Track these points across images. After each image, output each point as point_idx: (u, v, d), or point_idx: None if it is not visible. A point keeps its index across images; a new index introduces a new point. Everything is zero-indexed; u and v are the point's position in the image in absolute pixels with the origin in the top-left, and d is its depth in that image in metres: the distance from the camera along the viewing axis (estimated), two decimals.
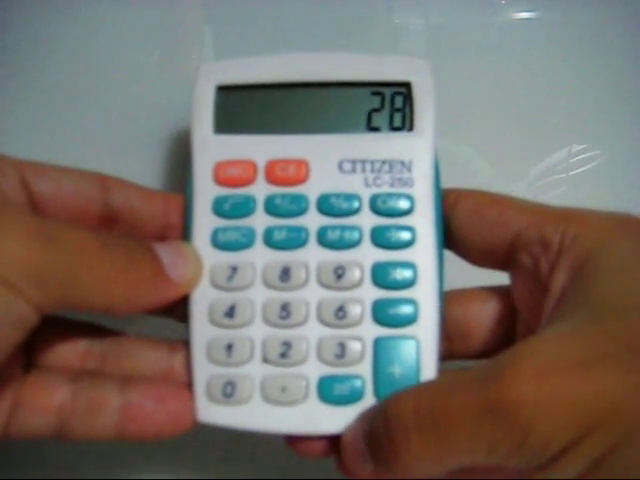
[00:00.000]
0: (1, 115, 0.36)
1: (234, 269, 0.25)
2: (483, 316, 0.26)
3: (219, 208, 0.25)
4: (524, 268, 0.23)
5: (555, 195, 0.35)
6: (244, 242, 0.25)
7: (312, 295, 0.24)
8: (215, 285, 0.25)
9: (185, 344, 0.25)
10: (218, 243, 0.25)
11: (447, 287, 0.25)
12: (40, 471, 0.33)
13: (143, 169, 0.34)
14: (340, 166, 0.25)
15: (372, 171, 0.25)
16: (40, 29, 0.37)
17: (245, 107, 0.26)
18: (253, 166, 0.25)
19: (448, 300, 0.25)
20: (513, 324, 0.25)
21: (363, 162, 0.25)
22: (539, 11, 0.37)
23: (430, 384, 0.22)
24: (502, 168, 0.35)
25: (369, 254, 0.24)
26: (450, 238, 0.25)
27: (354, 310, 0.24)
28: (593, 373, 0.18)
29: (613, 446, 0.18)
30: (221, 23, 0.37)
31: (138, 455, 0.33)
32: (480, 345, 0.26)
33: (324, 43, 0.36)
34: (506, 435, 0.18)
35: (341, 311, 0.24)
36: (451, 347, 0.26)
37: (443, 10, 0.37)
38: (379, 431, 0.21)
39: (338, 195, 0.25)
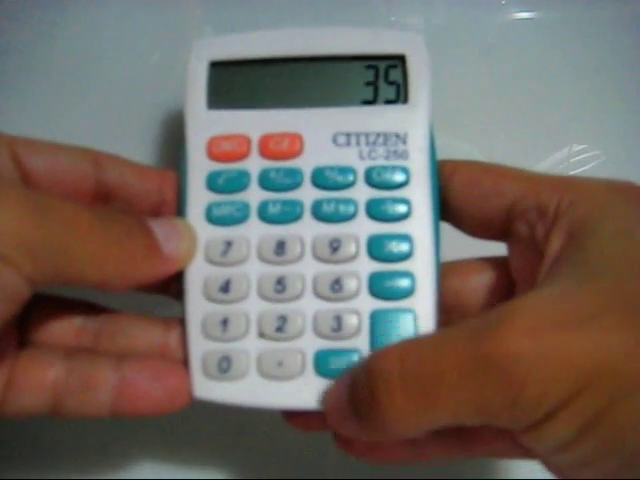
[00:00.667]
0: (5, 116, 0.36)
1: (229, 244, 0.24)
2: (480, 288, 0.25)
3: (213, 183, 0.25)
4: (521, 237, 0.23)
5: None
6: (238, 217, 0.25)
7: (308, 269, 0.24)
8: (210, 260, 0.24)
9: (180, 321, 0.25)
10: (212, 218, 0.25)
11: (444, 259, 0.25)
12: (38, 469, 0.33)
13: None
14: (334, 139, 0.25)
15: (367, 144, 0.25)
16: (41, 29, 0.37)
17: (238, 82, 0.26)
18: (247, 141, 0.25)
19: (445, 272, 0.25)
20: (511, 295, 0.25)
21: (357, 135, 0.25)
22: (539, 11, 0.37)
23: (417, 338, 0.21)
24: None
25: (364, 227, 0.24)
26: (446, 209, 0.25)
27: (350, 283, 0.24)
28: (589, 329, 0.18)
29: (609, 404, 0.17)
30: (221, 23, 0.37)
31: (139, 455, 0.33)
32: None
33: None
34: (498, 391, 0.18)
35: (337, 284, 0.24)
36: (448, 319, 0.25)
37: (443, 10, 0.37)
38: (361, 385, 0.20)
39: (332, 168, 0.25)
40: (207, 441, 0.32)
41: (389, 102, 0.26)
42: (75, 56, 0.37)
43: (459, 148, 0.35)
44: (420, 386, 0.19)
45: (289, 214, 0.24)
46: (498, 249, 0.25)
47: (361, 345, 0.23)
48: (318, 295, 0.24)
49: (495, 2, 0.37)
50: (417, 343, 0.20)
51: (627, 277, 0.19)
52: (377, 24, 0.37)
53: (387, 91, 0.26)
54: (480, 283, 0.25)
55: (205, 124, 0.26)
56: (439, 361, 0.19)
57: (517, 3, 0.37)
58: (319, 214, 0.24)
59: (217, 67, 0.26)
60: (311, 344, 0.24)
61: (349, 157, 0.25)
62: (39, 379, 0.22)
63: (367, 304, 0.24)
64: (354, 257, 0.24)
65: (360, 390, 0.20)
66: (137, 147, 0.35)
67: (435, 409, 0.19)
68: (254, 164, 0.25)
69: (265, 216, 0.25)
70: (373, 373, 0.20)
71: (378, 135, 0.25)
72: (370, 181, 0.25)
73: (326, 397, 0.22)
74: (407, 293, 0.24)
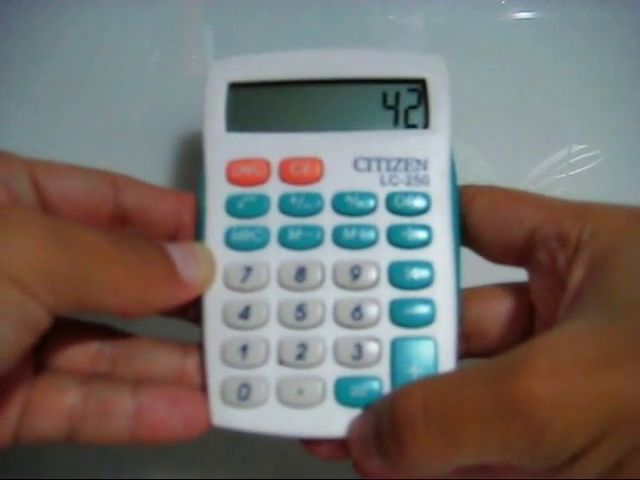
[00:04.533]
0: (6, 116, 0.36)
1: (248, 269, 0.24)
2: (501, 314, 0.25)
3: (232, 207, 0.25)
4: (542, 264, 0.23)
5: (555, 195, 0.35)
6: (258, 242, 0.24)
7: (328, 295, 0.24)
8: (229, 286, 0.24)
9: (198, 347, 0.24)
10: (232, 243, 0.24)
11: (465, 284, 0.25)
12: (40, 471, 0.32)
13: (149, 167, 0.34)
14: (355, 164, 0.25)
15: (388, 169, 0.25)
16: (42, 30, 0.37)
17: (257, 105, 0.26)
18: (267, 165, 0.25)
19: (465, 298, 0.25)
20: (531, 322, 0.25)
21: (378, 160, 0.25)
22: (539, 11, 0.37)
23: (439, 378, 0.21)
24: (502, 168, 0.35)
25: (385, 254, 0.24)
26: (467, 235, 0.25)
27: (371, 310, 0.24)
28: (611, 372, 0.18)
29: (633, 448, 0.17)
30: (221, 23, 0.37)
31: (139, 455, 0.33)
32: (498, 343, 0.25)
33: (324, 43, 0.35)
34: (520, 434, 0.18)
35: (358, 312, 0.24)
36: (469, 346, 0.25)
37: (443, 10, 0.37)
38: (385, 423, 0.20)
39: (353, 194, 0.25)
40: (207, 441, 0.32)
41: (410, 127, 0.26)
42: (74, 57, 0.37)
43: (460, 149, 0.35)
44: (443, 428, 0.19)
45: (310, 240, 0.24)
46: (519, 275, 0.25)
47: (382, 373, 0.23)
48: (338, 322, 0.24)
49: (495, 2, 0.37)
50: (439, 383, 0.20)
51: None
52: (376, 24, 0.37)
53: (408, 115, 0.26)
54: (500, 310, 0.25)
55: (224, 147, 0.25)
56: (461, 403, 0.18)
57: (517, 3, 0.37)
58: (340, 240, 0.24)
59: (236, 89, 0.26)
60: (331, 372, 0.23)
61: (370, 182, 0.25)
62: (56, 405, 0.22)
63: (388, 332, 0.24)
64: (375, 284, 0.24)
65: (384, 429, 0.20)
66: (135, 147, 0.35)
67: (458, 450, 0.19)
68: (274, 189, 0.25)
69: (285, 242, 0.24)
70: (397, 414, 0.20)
71: (399, 160, 0.25)
72: (391, 207, 0.24)
73: (351, 434, 0.22)
74: (428, 321, 0.24)
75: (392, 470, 0.20)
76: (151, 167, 0.34)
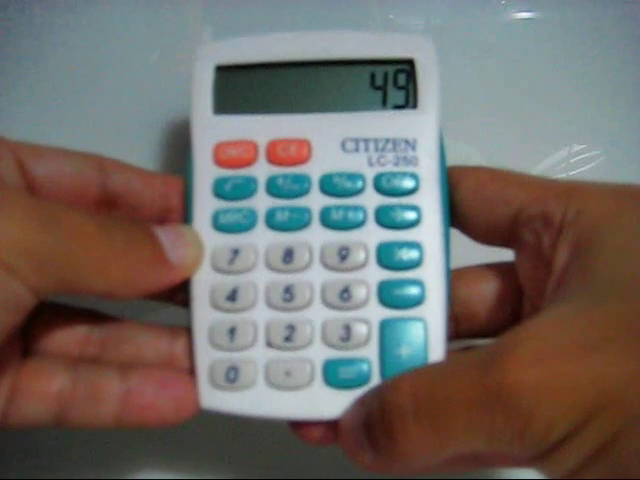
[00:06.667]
0: (5, 111, 0.36)
1: (235, 252, 0.24)
2: (488, 295, 0.25)
3: (220, 190, 0.25)
4: (527, 245, 0.23)
5: None
6: (245, 224, 0.24)
7: (316, 277, 0.24)
8: (216, 268, 0.24)
9: (187, 330, 0.24)
10: (219, 225, 0.24)
11: (453, 264, 0.24)
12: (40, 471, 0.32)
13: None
14: (343, 145, 0.25)
15: (376, 150, 0.25)
16: (41, 30, 0.37)
17: (245, 87, 0.26)
18: (254, 146, 0.25)
19: (453, 279, 0.24)
20: (520, 302, 0.25)
21: (366, 141, 0.25)
22: (539, 11, 0.37)
23: (427, 369, 0.21)
24: (502, 168, 0.35)
25: (374, 234, 0.24)
26: (455, 216, 0.25)
27: (359, 292, 0.23)
28: (594, 357, 0.17)
29: (616, 433, 0.17)
30: (221, 23, 0.37)
31: (139, 455, 0.33)
32: (487, 323, 0.25)
33: None
34: (506, 423, 0.18)
35: (346, 293, 0.23)
36: (458, 327, 0.25)
37: (443, 10, 0.37)
38: (376, 418, 0.20)
39: (341, 175, 0.24)
40: (207, 441, 0.32)
41: (398, 107, 0.25)
42: (75, 56, 0.37)
43: (460, 149, 0.35)
44: (433, 419, 0.19)
45: (297, 221, 0.24)
46: (506, 255, 0.25)
47: (370, 355, 0.23)
48: (327, 304, 0.23)
49: (495, 2, 0.37)
50: (427, 374, 0.20)
51: (634, 299, 0.18)
52: (376, 24, 0.37)
53: (396, 96, 0.25)
54: (488, 290, 0.25)
55: (211, 130, 0.25)
56: (449, 394, 0.19)
57: (517, 3, 0.37)
58: (328, 221, 0.24)
59: (223, 71, 0.26)
60: (320, 354, 0.23)
61: (358, 163, 0.25)
62: (44, 389, 0.22)
63: (376, 313, 0.23)
64: (363, 265, 0.24)
65: (375, 423, 0.20)
66: (135, 148, 0.35)
67: (448, 441, 0.19)
68: (261, 170, 0.25)
69: (273, 223, 0.24)
70: (387, 407, 0.20)
71: (387, 141, 0.25)
72: (379, 188, 0.24)
73: (341, 428, 0.22)
74: (417, 301, 0.23)
75: (385, 464, 0.20)
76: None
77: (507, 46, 0.36)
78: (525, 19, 0.37)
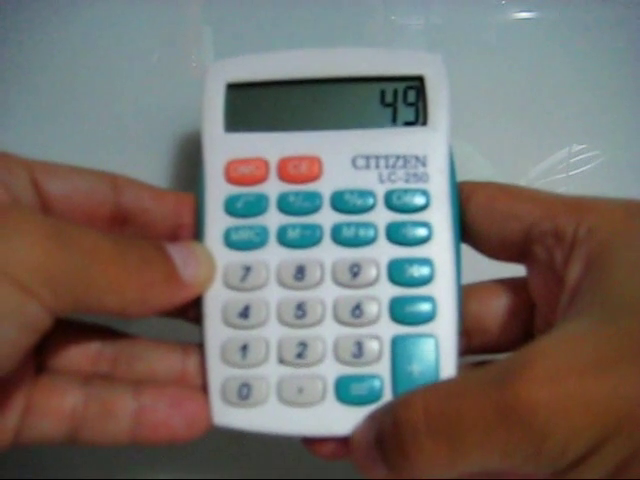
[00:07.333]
0: (5, 115, 0.36)
1: (247, 269, 0.24)
2: (500, 310, 0.25)
3: (231, 207, 0.25)
4: (539, 261, 0.23)
5: None
6: (257, 241, 0.24)
7: (328, 294, 0.24)
8: (228, 285, 0.24)
9: (198, 347, 0.24)
10: (231, 242, 0.24)
11: (464, 280, 0.24)
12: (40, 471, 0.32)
13: (149, 168, 0.34)
14: (354, 162, 0.25)
15: (386, 167, 0.25)
16: (41, 30, 0.37)
17: (256, 104, 0.26)
18: (265, 164, 0.25)
19: (465, 295, 0.24)
20: (531, 317, 0.25)
21: (377, 158, 0.25)
22: (539, 11, 0.37)
23: (440, 385, 0.21)
24: (502, 167, 0.35)
25: (385, 251, 0.24)
26: (466, 231, 0.25)
27: (371, 308, 0.24)
28: (609, 375, 0.17)
29: (635, 452, 0.17)
30: (221, 23, 0.37)
31: (139, 455, 0.33)
32: (499, 339, 0.25)
33: (324, 44, 0.35)
34: (521, 441, 0.18)
35: (357, 310, 0.24)
36: (469, 342, 0.25)
37: (443, 10, 0.37)
38: (389, 435, 0.20)
39: (352, 192, 0.25)
40: (207, 441, 0.32)
41: (408, 124, 0.25)
42: (75, 56, 0.37)
43: (460, 148, 0.35)
44: (445, 437, 0.19)
45: (309, 238, 0.24)
46: (517, 270, 0.25)
47: (382, 371, 0.23)
48: (339, 320, 0.24)
49: (495, 2, 0.37)
50: (440, 390, 0.20)
51: None
52: (376, 24, 0.37)
53: (406, 113, 0.25)
54: (500, 305, 0.25)
55: (222, 147, 0.25)
56: (462, 412, 0.18)
57: (517, 3, 0.37)
58: (339, 238, 0.24)
59: (234, 89, 0.26)
60: (332, 370, 0.23)
61: (369, 180, 0.25)
62: (57, 406, 0.22)
63: (388, 329, 0.23)
64: (374, 282, 0.24)
65: (387, 440, 0.20)
66: (136, 148, 0.35)
67: (462, 459, 0.19)
68: (273, 188, 0.25)
69: (284, 240, 0.24)
70: (399, 424, 0.20)
71: (398, 158, 0.25)
72: (390, 204, 0.24)
73: (353, 443, 0.22)
74: (428, 318, 0.23)
75: (398, 476, 0.20)
76: (151, 168, 0.34)
77: (507, 46, 0.36)
78: (525, 19, 0.37)
